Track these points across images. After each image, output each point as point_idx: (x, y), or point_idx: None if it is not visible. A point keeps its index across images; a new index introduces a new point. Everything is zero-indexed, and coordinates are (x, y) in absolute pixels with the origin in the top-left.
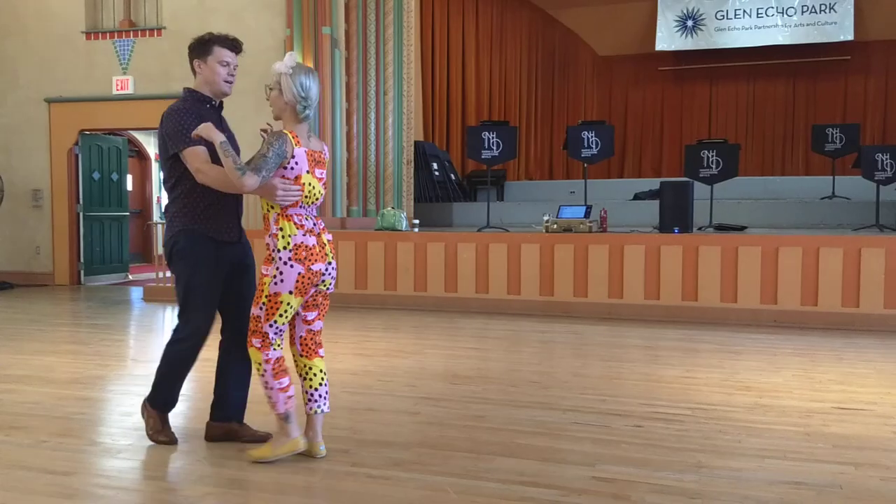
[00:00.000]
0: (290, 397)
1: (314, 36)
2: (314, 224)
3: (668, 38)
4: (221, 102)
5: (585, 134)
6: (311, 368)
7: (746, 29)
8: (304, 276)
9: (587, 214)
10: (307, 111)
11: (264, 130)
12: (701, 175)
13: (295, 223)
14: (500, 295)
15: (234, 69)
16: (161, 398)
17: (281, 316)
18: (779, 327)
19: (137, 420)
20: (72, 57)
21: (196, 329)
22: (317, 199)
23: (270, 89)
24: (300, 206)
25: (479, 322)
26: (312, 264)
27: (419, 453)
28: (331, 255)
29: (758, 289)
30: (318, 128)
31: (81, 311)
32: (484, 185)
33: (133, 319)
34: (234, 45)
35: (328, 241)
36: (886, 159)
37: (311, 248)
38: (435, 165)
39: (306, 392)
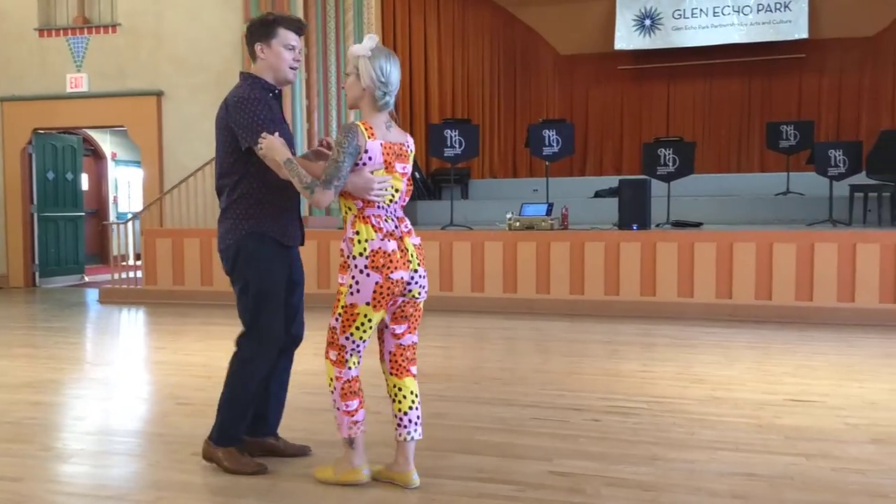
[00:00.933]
0: (355, 422)
1: None
2: (395, 227)
3: (626, 38)
4: (281, 92)
5: (546, 132)
6: (400, 389)
7: (703, 28)
8: (382, 286)
9: (549, 212)
10: (387, 97)
11: (323, 144)
12: (658, 173)
13: (373, 226)
14: (464, 293)
15: (300, 54)
16: (231, 431)
17: (358, 329)
18: (734, 321)
19: (91, 424)
20: (24, 55)
21: (272, 342)
22: (396, 198)
23: (347, 75)
24: (378, 207)
25: (443, 320)
26: (392, 272)
27: (378, 453)
28: (416, 261)
29: (713, 284)
30: None
31: (36, 313)
32: (448, 183)
33: (89, 322)
34: (300, 28)
35: (414, 245)
36: (839, 155)
37: (390, 255)
38: None
39: (395, 416)
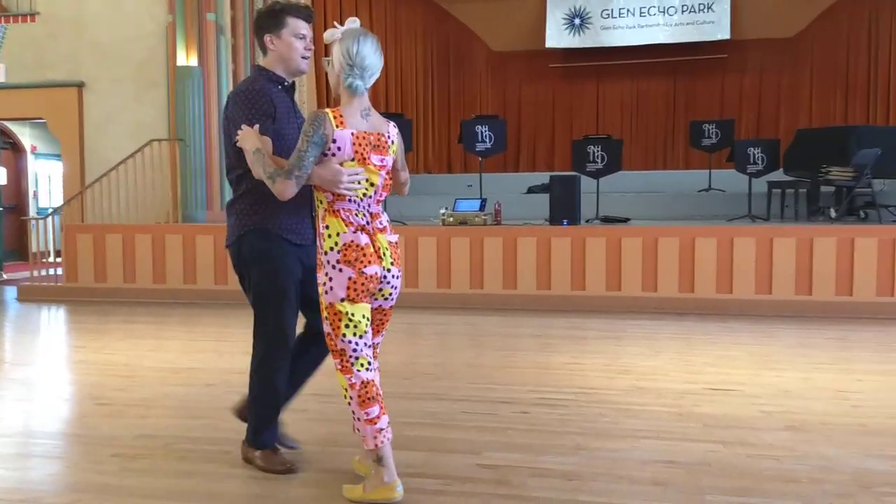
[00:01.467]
0: (379, 430)
1: (198, 22)
2: (367, 222)
3: (557, 36)
4: (294, 83)
5: (479, 128)
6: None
7: (630, 28)
8: (355, 281)
9: (482, 207)
10: (352, 80)
11: None
12: (588, 169)
13: (342, 219)
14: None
15: (311, 42)
16: (262, 432)
17: (348, 328)
18: (659, 313)
19: (8, 426)
20: None
21: (281, 342)
22: (370, 192)
23: (328, 62)
24: (349, 200)
25: None
26: (365, 266)
27: (306, 451)
28: (389, 259)
29: (639, 277)
30: (204, 118)
31: None
32: None
33: (7, 321)
34: (309, 16)
35: (391, 242)
36: (758, 153)
37: (363, 248)
38: None
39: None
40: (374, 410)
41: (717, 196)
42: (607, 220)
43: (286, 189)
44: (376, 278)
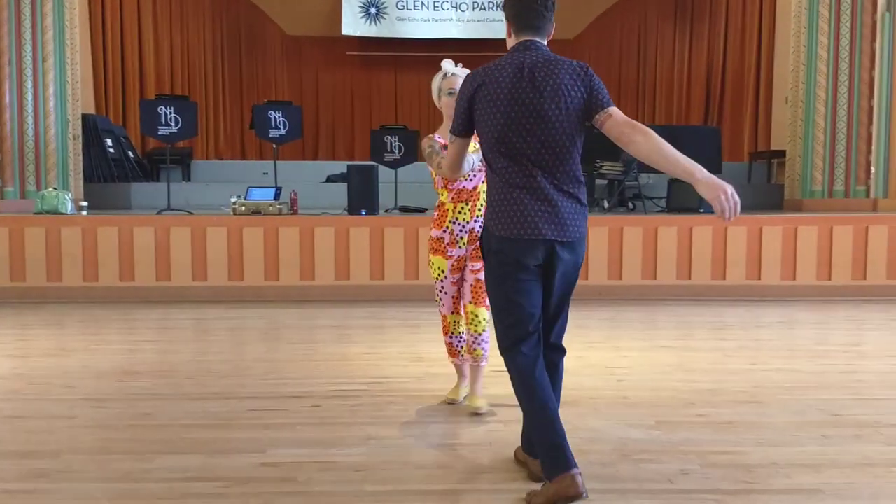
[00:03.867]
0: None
1: None
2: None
3: (353, 24)
4: None
5: (272, 114)
6: (477, 315)
7: (425, 21)
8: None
9: (277, 196)
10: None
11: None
12: (385, 159)
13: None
14: (184, 282)
15: None
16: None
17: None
18: None
19: None
20: None
21: None
22: None
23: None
24: None
25: (159, 312)
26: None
27: (70, 461)
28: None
29: None
30: None
31: None
32: (165, 163)
33: None
34: None
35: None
36: None
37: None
38: (109, 142)
39: (472, 335)
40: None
41: None
42: (406, 209)
43: None
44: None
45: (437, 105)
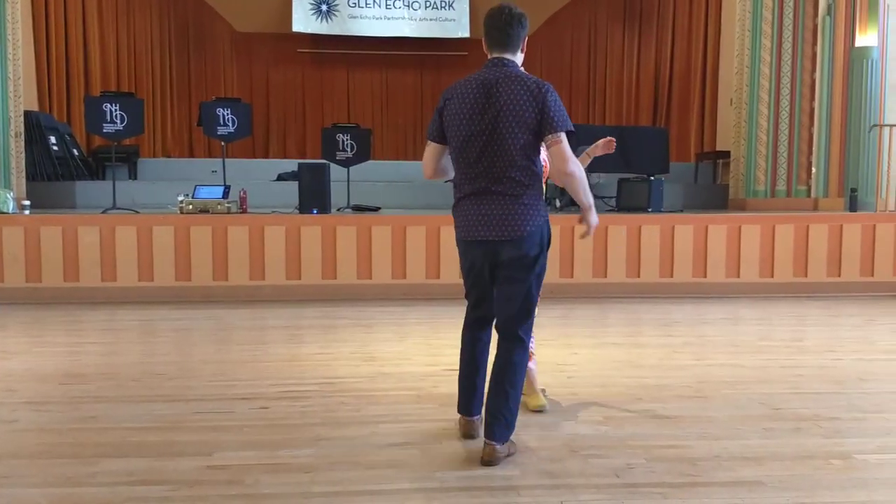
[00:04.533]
0: None
1: None
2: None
3: (304, 21)
4: None
5: (221, 111)
6: None
7: (377, 19)
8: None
9: (226, 195)
10: None
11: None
12: (337, 157)
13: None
14: (130, 282)
15: None
16: (514, 424)
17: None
18: (408, 299)
19: None
20: None
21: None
22: None
23: None
24: None
25: (104, 313)
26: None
27: (10, 466)
28: None
29: (389, 265)
30: None
31: None
32: (111, 161)
33: None
34: None
35: None
36: None
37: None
38: (53, 139)
39: None
40: None
41: None
42: (358, 208)
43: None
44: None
45: None
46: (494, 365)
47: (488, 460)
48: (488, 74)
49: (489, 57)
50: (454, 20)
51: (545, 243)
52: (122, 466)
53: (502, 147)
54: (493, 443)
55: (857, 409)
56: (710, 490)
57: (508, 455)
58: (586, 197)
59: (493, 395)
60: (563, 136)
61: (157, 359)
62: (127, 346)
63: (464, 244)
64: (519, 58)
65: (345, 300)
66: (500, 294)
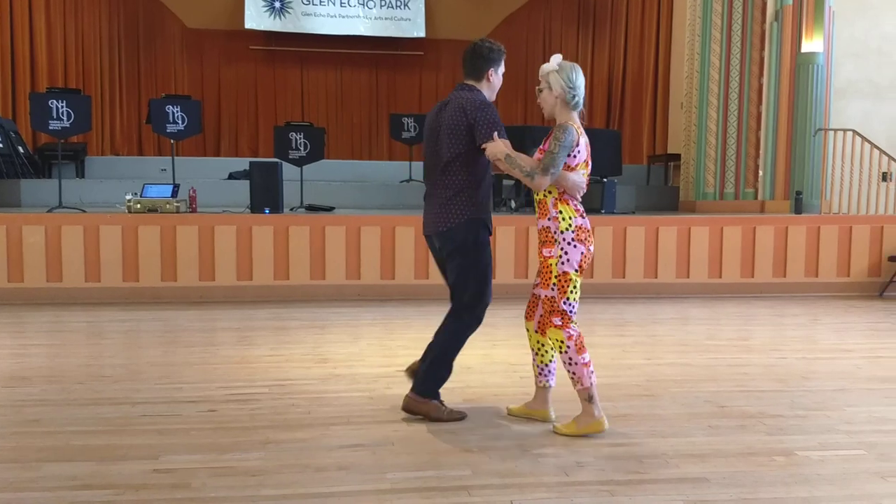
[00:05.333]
0: (592, 372)
1: None
2: (584, 210)
3: (257, 17)
4: None
5: (170, 108)
6: (543, 345)
7: (332, 17)
8: (585, 256)
9: (175, 194)
10: (576, 99)
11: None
12: (290, 156)
13: (572, 207)
14: (77, 283)
15: None
16: (439, 384)
17: (572, 293)
18: (362, 300)
19: None
20: None
21: (480, 315)
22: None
23: (540, 90)
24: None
25: (49, 315)
26: (590, 245)
27: None
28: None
29: (344, 266)
30: None
31: None
32: (57, 159)
33: None
34: None
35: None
36: None
37: (587, 231)
38: None
39: (538, 366)
40: (587, 356)
41: (417, 187)
42: (312, 208)
43: (544, 182)
44: (592, 253)
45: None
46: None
47: (404, 407)
48: (449, 97)
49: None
50: (409, 20)
51: (471, 238)
52: (65, 471)
53: (443, 157)
54: (411, 393)
55: (800, 407)
56: (657, 486)
57: (432, 417)
58: (520, 170)
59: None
60: (492, 141)
61: (103, 361)
62: (72, 349)
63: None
64: (484, 85)
65: (297, 301)
66: (451, 277)
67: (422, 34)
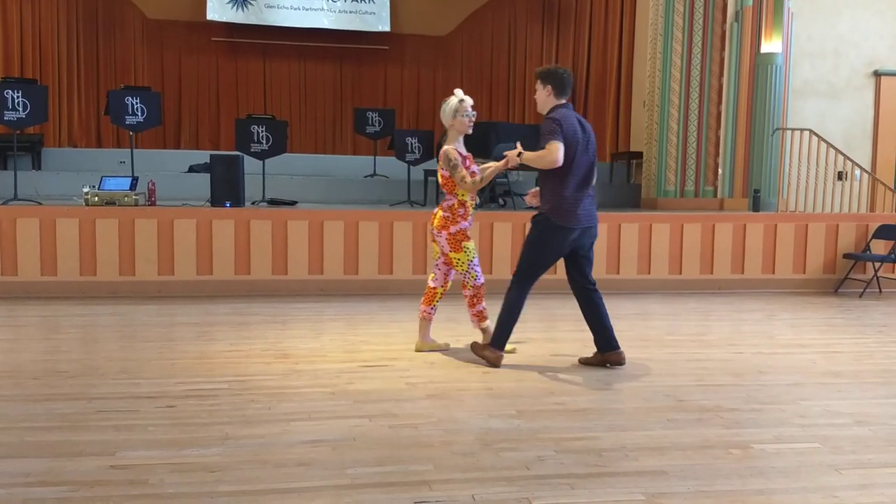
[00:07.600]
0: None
1: None
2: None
3: (218, 9)
4: None
5: (129, 100)
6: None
7: (295, 9)
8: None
9: (133, 186)
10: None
11: None
12: (252, 150)
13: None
14: (33, 277)
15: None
16: (503, 339)
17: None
18: (325, 295)
19: None
20: None
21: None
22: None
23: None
24: None
25: (4, 309)
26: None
27: None
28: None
29: (306, 260)
30: None
31: None
32: (13, 150)
33: None
34: None
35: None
36: (415, 143)
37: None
38: None
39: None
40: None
41: (382, 182)
42: (273, 202)
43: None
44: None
45: (446, 122)
46: None
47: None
48: (573, 112)
49: None
50: (374, 13)
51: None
52: (19, 467)
53: (593, 161)
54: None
55: (756, 401)
56: (616, 479)
57: (485, 359)
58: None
59: None
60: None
61: (59, 356)
62: (27, 343)
63: None
64: (542, 98)
65: (258, 296)
66: None
67: (387, 28)
